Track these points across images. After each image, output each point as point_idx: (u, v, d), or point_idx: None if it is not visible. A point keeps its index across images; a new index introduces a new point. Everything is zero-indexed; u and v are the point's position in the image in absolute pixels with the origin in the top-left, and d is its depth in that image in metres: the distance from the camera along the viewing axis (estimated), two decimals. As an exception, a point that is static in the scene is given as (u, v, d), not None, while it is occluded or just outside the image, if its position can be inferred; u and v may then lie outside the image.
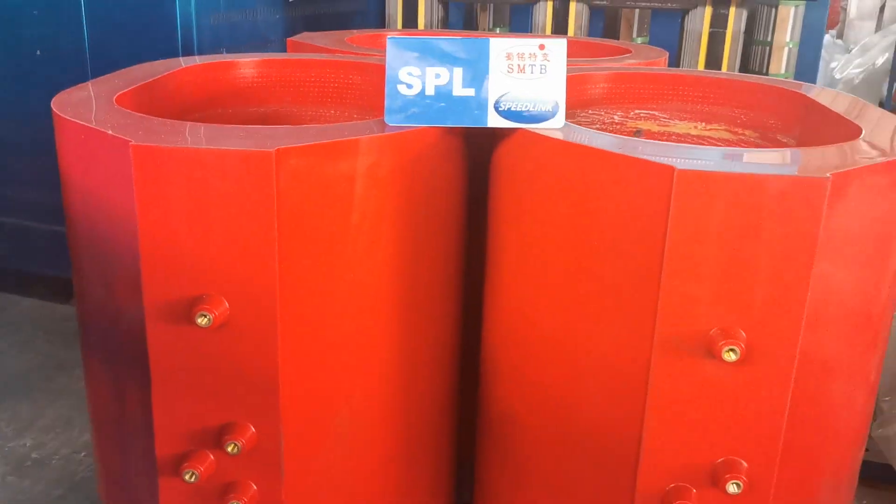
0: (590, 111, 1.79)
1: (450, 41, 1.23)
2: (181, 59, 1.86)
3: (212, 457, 1.20)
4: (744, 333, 1.08)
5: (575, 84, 1.76)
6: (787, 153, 1.21)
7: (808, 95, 1.58)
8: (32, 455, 2.56)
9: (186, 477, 1.18)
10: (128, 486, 1.35)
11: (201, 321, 1.10)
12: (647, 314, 1.10)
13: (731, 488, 1.12)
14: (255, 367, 1.16)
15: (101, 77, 1.53)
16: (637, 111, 1.83)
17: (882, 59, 6.62)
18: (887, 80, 6.29)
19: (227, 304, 1.12)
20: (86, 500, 2.35)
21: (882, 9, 8.28)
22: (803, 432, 1.22)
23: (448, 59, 1.22)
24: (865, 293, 1.22)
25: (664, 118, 1.81)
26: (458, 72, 1.22)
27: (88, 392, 1.39)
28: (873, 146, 1.21)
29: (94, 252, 1.23)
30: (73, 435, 2.66)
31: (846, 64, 7.39)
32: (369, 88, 1.76)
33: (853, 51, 7.81)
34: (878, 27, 8.38)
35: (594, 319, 1.19)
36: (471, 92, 1.23)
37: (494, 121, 1.24)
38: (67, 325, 3.40)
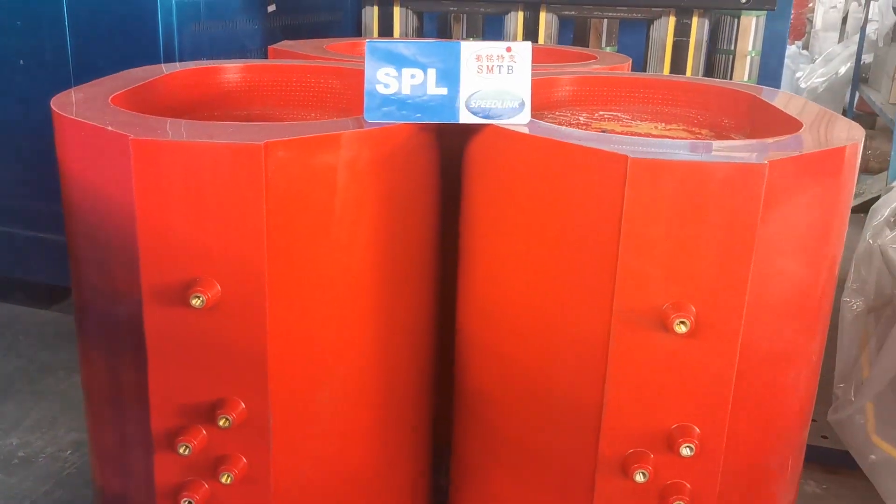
0: (557, 112, 1.90)
1: (424, 44, 1.34)
2: (163, 65, 1.95)
3: (204, 431, 1.28)
4: (693, 308, 1.19)
5: (543, 87, 1.87)
6: (732, 144, 1.32)
7: (757, 96, 1.70)
8: (19, 453, 2.61)
9: (181, 450, 1.26)
10: (122, 466, 1.43)
11: (195, 302, 1.19)
12: (606, 291, 1.21)
13: (685, 451, 1.23)
14: (245, 345, 1.24)
15: (94, 81, 1.61)
16: (601, 113, 1.94)
17: (844, 69, 6.84)
18: (849, 88, 6.50)
19: (219, 286, 1.21)
20: (72, 496, 2.41)
21: (845, 20, 8.53)
22: (751, 402, 1.32)
23: (422, 61, 1.32)
24: (805, 276, 1.33)
25: (627, 119, 1.92)
26: (432, 73, 1.33)
27: (84, 375, 1.47)
28: (811, 138, 1.33)
29: (93, 241, 1.31)
30: (59, 434, 2.72)
31: (810, 73, 7.61)
32: (348, 92, 1.86)
33: (817, 61, 8.04)
34: (841, 38, 8.63)
35: (558, 298, 1.29)
36: (444, 91, 1.33)
37: (466, 117, 1.34)
38: (49, 329, 3.45)
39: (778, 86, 4.42)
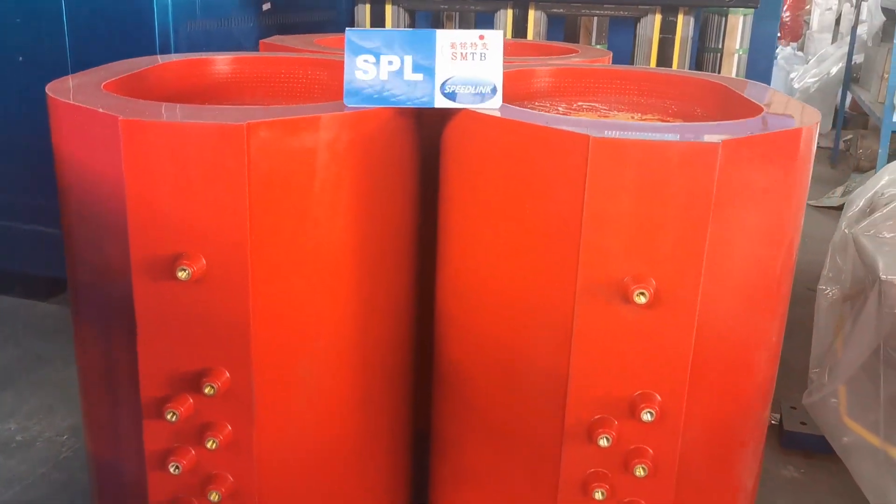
0: (536, 103, 1.97)
1: (401, 33, 1.40)
2: (158, 56, 2.02)
3: (191, 400, 1.35)
4: (653, 280, 1.25)
5: (522, 78, 1.94)
6: (689, 126, 1.39)
7: (727, 86, 1.76)
8: (17, 438, 2.68)
9: (168, 417, 1.33)
10: (114, 435, 1.49)
11: (181, 275, 1.26)
12: (571, 265, 1.27)
13: (646, 416, 1.29)
14: (229, 317, 1.31)
15: (88, 70, 1.68)
16: (579, 103, 2.01)
17: (836, 69, 6.91)
18: (841, 88, 6.57)
19: (204, 260, 1.28)
20: (68, 477, 2.47)
21: (838, 21, 8.61)
22: (711, 375, 1.38)
23: (400, 48, 1.39)
24: (762, 255, 1.39)
25: (604, 109, 1.99)
26: (409, 59, 1.39)
27: (77, 349, 1.53)
28: (768, 122, 1.39)
29: (86, 219, 1.38)
30: (56, 420, 2.79)
31: (803, 74, 7.68)
32: (334, 83, 1.92)
33: (811, 61, 8.12)
34: (835, 39, 8.71)
35: (527, 273, 1.35)
36: (420, 77, 1.40)
37: (441, 102, 1.41)
38: (47, 321, 3.52)
39: (768, 85, 4.48)
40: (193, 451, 1.37)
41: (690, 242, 1.24)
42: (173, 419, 1.33)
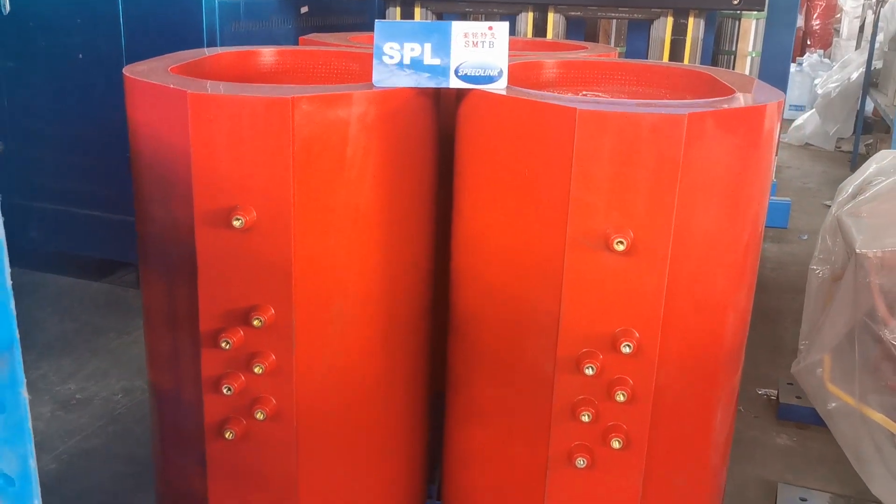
0: (545, 92, 2.20)
1: (422, 24, 1.65)
2: (205, 49, 2.28)
3: (241, 332, 1.60)
4: (631, 232, 1.48)
5: (532, 69, 2.17)
6: (665, 102, 1.61)
7: (713, 75, 1.98)
8: (76, 396, 2.97)
9: (223, 345, 1.58)
10: (174, 363, 1.75)
11: (236, 224, 1.51)
12: (561, 220, 1.51)
13: (625, 349, 1.52)
14: (275, 260, 1.56)
15: (154, 58, 1.94)
16: (584, 92, 2.24)
17: (857, 74, 7.04)
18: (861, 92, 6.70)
19: (255, 212, 1.53)
20: (123, 429, 2.76)
21: (862, 28, 8.72)
22: (682, 321, 1.60)
23: (420, 37, 1.64)
24: (727, 220, 1.59)
25: (606, 97, 2.22)
26: (428, 46, 1.64)
27: (143, 290, 1.79)
28: (736, 101, 1.61)
29: (155, 178, 1.64)
30: (111, 382, 3.08)
31: (826, 80, 7.81)
32: (365, 73, 2.17)
33: (834, 67, 8.24)
34: (858, 45, 8.82)
35: (526, 227, 1.59)
36: (437, 61, 1.64)
37: (455, 83, 1.65)
38: (100, 298, 3.83)
39: (785, 89, 4.67)
40: (243, 377, 1.62)
41: (662, 199, 1.47)
42: (227, 347, 1.58)
